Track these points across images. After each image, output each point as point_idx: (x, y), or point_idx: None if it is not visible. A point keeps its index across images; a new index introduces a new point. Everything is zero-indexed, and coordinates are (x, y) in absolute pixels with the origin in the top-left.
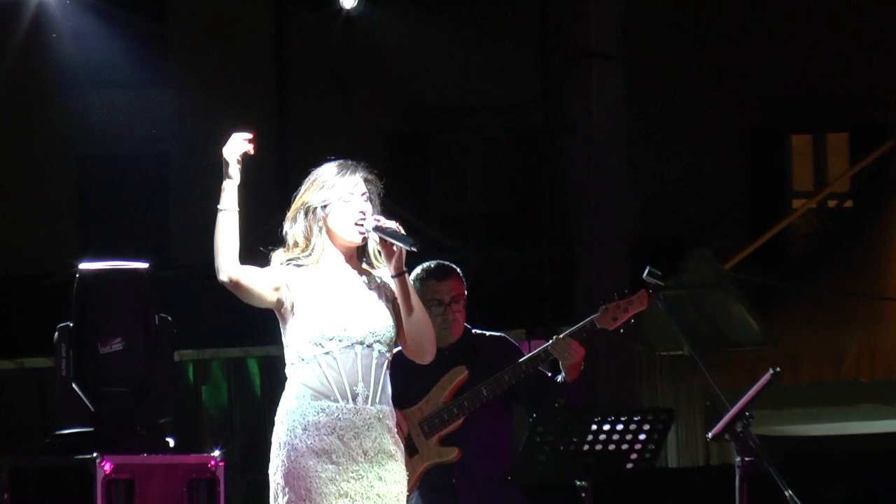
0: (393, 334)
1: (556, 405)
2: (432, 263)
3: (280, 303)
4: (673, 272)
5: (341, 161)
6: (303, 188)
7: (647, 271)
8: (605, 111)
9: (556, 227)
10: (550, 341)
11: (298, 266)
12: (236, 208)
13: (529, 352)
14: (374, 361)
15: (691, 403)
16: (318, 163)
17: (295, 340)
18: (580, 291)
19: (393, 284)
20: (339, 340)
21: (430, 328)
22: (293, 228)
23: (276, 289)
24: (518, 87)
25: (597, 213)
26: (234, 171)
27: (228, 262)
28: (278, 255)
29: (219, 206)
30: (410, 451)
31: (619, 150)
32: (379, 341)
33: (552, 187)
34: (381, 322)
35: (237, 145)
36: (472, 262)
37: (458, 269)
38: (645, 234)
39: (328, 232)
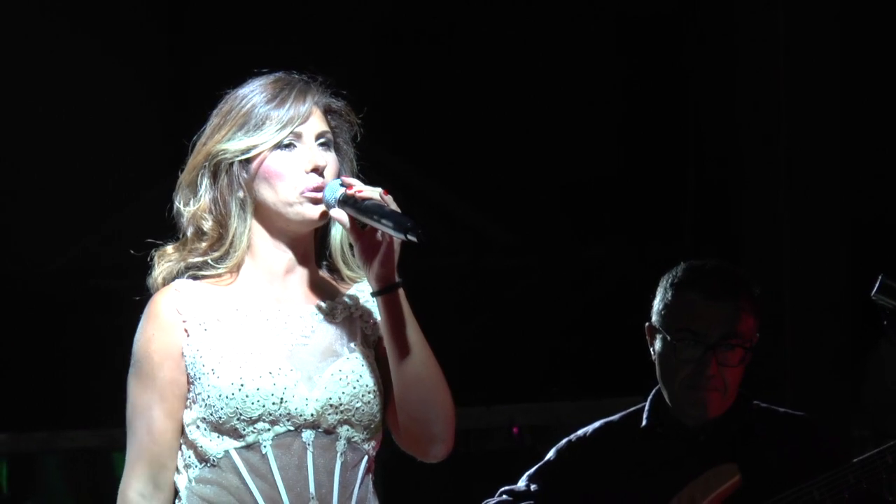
0: (377, 409)
1: None
2: (707, 263)
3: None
4: None
5: (279, 75)
6: (209, 126)
7: (878, 285)
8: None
9: (706, 205)
10: None
11: (198, 278)
12: None
13: None
14: (340, 461)
15: None
16: (237, 81)
17: (189, 425)
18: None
19: (377, 309)
20: (272, 423)
21: (442, 388)
22: (191, 205)
23: (182, 380)
24: None
25: (785, 180)
26: None
27: None
28: (165, 260)
29: None
30: None
31: (826, 86)
32: (348, 423)
33: (697, 136)
34: (352, 386)
35: None
36: (540, 268)
37: (755, 289)
38: (863, 219)
39: (258, 210)
